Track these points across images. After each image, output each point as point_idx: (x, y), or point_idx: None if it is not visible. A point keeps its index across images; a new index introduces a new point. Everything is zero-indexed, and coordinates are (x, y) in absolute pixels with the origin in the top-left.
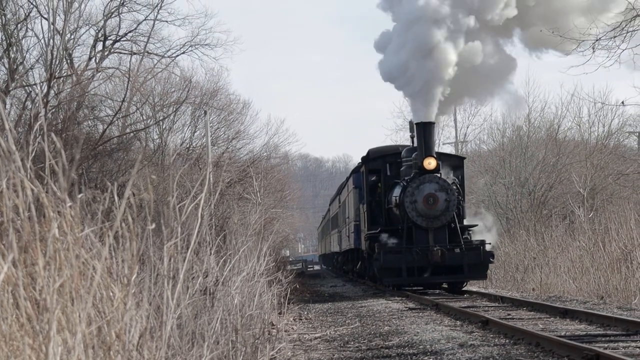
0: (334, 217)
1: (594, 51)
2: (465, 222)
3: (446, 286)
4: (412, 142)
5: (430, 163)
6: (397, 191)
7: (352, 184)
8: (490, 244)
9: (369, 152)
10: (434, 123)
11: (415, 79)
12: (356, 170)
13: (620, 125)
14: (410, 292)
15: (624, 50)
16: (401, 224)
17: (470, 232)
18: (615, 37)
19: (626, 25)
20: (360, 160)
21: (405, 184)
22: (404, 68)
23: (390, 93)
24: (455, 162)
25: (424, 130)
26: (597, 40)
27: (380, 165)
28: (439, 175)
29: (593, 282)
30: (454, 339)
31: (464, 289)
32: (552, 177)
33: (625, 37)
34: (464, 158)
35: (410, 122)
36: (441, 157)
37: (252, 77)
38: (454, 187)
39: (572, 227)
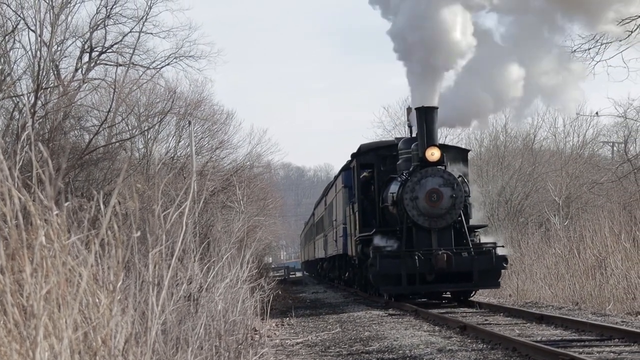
0: (319, 221)
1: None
2: (472, 223)
3: (449, 295)
4: (410, 132)
5: (433, 154)
6: (394, 187)
7: (341, 182)
8: (503, 246)
9: (360, 146)
10: (436, 108)
11: (415, 49)
12: (346, 168)
13: (594, 135)
14: (412, 304)
15: (598, 62)
16: (399, 224)
17: (477, 233)
18: (589, 49)
19: (600, 37)
20: (350, 157)
21: (404, 178)
22: (405, 33)
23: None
24: (459, 154)
25: (425, 116)
26: (572, 52)
27: (373, 160)
28: (443, 168)
29: (568, 289)
30: (433, 344)
31: (471, 298)
32: (529, 186)
33: (599, 49)
34: (469, 150)
35: (408, 109)
36: (443, 149)
37: (235, 88)
38: (461, 181)
39: (548, 235)
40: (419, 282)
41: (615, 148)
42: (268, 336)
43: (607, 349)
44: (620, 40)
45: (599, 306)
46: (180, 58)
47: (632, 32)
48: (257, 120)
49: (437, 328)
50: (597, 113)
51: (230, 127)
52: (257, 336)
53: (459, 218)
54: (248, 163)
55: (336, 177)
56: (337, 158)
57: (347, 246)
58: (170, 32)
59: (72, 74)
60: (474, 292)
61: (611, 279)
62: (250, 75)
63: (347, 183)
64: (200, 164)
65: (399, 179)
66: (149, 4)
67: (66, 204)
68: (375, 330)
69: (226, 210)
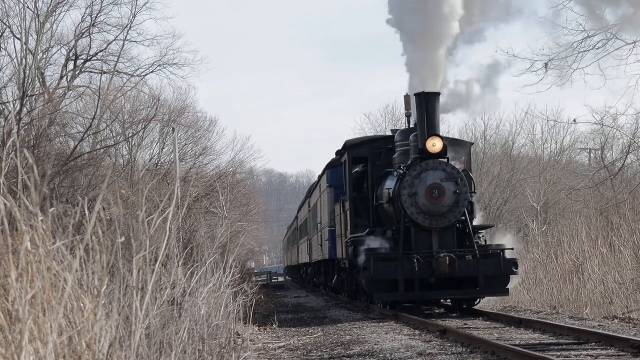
0: (302, 225)
1: (547, 71)
2: (475, 223)
3: (449, 303)
4: (408, 123)
5: (434, 145)
6: (390, 183)
7: (325, 182)
8: (512, 249)
9: (347, 142)
10: (438, 94)
11: (415, 24)
12: (332, 165)
13: (572, 142)
14: (408, 313)
15: (575, 70)
16: (396, 224)
17: (483, 235)
18: (567, 57)
19: (577, 46)
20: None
21: (401, 172)
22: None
23: (352, 111)
24: (460, 148)
25: (426, 103)
26: (550, 60)
27: (367, 153)
28: (445, 161)
29: (546, 293)
30: (413, 348)
31: (476, 307)
32: (507, 192)
33: (576, 57)
34: (472, 144)
35: (406, 97)
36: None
37: (218, 95)
38: (465, 176)
39: (526, 240)
40: (418, 288)
41: (592, 155)
42: (251, 340)
43: (585, 352)
44: (598, 49)
45: (576, 310)
46: (164, 66)
47: (608, 40)
48: (240, 127)
49: (417, 332)
50: (574, 120)
51: (214, 134)
52: (240, 340)
53: (463, 217)
54: (231, 169)
55: (320, 177)
56: (318, 164)
57: (336, 250)
58: (154, 41)
59: (57, 81)
60: (478, 300)
61: (588, 284)
62: (233, 82)
63: (333, 182)
64: (184, 171)
65: (396, 173)
66: (133, 12)
67: (51, 210)
68: (356, 335)
69: (210, 216)
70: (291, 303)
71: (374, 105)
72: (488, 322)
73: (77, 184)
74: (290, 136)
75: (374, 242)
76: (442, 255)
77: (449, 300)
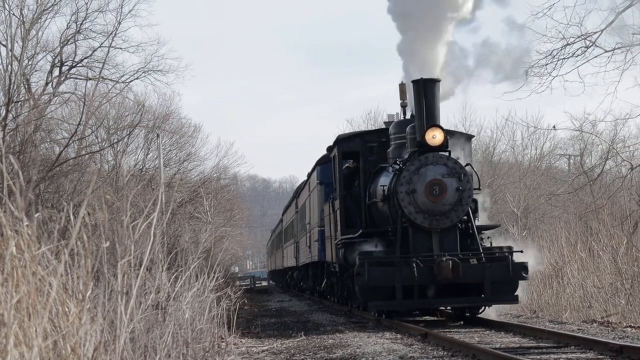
0: (288, 227)
1: (526, 78)
2: (478, 222)
3: (450, 311)
4: (404, 114)
5: (435, 136)
6: (384, 179)
7: (316, 179)
8: (521, 251)
9: (339, 136)
10: (438, 80)
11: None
12: (323, 161)
13: (551, 148)
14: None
15: (555, 77)
16: (391, 224)
17: (488, 237)
18: (546, 64)
19: (557, 53)
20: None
21: (397, 167)
22: None
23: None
24: (460, 141)
25: (425, 90)
26: (529, 67)
27: (358, 147)
28: (447, 154)
29: (526, 297)
30: (395, 352)
31: (480, 315)
32: (488, 198)
33: (556, 64)
34: (473, 137)
35: (401, 85)
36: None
37: (202, 101)
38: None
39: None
40: (418, 295)
41: (571, 161)
42: (234, 344)
43: (564, 355)
44: (577, 56)
45: (556, 314)
46: (149, 72)
47: (587, 48)
48: (224, 133)
49: (399, 336)
50: (554, 127)
51: (198, 139)
52: (223, 344)
53: (465, 216)
54: (215, 175)
55: (310, 174)
56: (302, 169)
57: (325, 252)
58: (139, 47)
59: (42, 87)
60: (483, 308)
61: (568, 288)
62: (217, 89)
63: (324, 179)
64: (168, 176)
65: (391, 168)
66: (118, 19)
67: (36, 215)
68: (338, 338)
69: (194, 221)
70: (274, 307)
71: (357, 111)
72: (469, 326)
73: (62, 190)
74: (273, 142)
75: (367, 245)
76: (444, 258)
77: (448, 308)
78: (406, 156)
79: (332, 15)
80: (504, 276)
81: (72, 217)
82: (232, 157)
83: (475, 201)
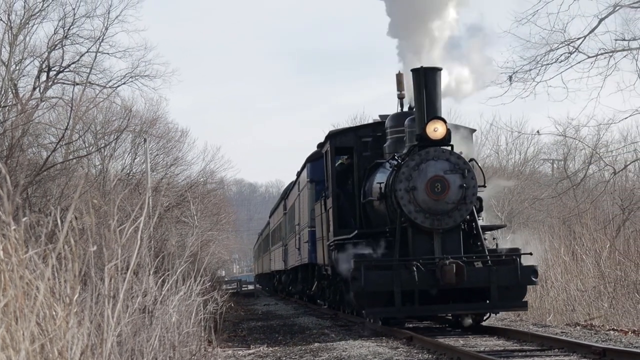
0: (276, 230)
1: (511, 83)
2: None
3: (450, 317)
4: (401, 106)
5: (436, 129)
6: (381, 176)
7: (306, 177)
8: (530, 253)
9: (331, 132)
10: (440, 69)
11: None
12: (314, 158)
13: (535, 153)
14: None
15: (538, 82)
16: (389, 224)
17: (492, 237)
18: (530, 70)
19: (541, 59)
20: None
21: (395, 163)
22: None
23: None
24: (462, 135)
25: (425, 80)
26: (514, 73)
27: (352, 142)
28: (449, 148)
29: None
30: (381, 355)
31: (484, 323)
32: None
33: (539, 70)
34: (474, 130)
35: (398, 75)
36: None
37: (190, 106)
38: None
39: None
40: (419, 301)
41: (555, 165)
42: (221, 347)
43: (548, 358)
44: (560, 62)
45: (539, 317)
46: (136, 77)
47: (571, 54)
48: (211, 138)
49: (384, 339)
50: (538, 132)
51: (185, 144)
52: (210, 347)
53: (471, 216)
54: (202, 179)
55: (299, 173)
56: (287, 174)
57: (316, 253)
58: (126, 52)
59: (30, 92)
60: (488, 315)
61: (551, 291)
62: (204, 94)
63: (315, 177)
64: (155, 180)
65: (388, 164)
66: (105, 25)
67: (24, 219)
68: (324, 341)
69: (180, 225)
70: (260, 310)
71: (342, 117)
72: (455, 329)
73: (50, 194)
74: (260, 146)
75: (362, 246)
76: (447, 261)
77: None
78: (405, 151)
79: (319, 22)
80: (512, 280)
81: (59, 221)
82: (219, 162)
83: (480, 199)
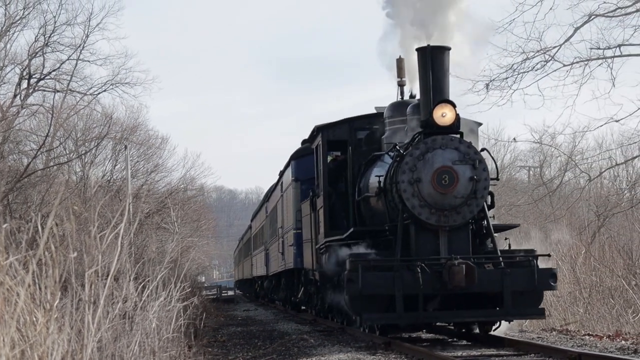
0: (257, 234)
1: (488, 91)
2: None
3: (452, 327)
4: (401, 94)
5: (445, 114)
6: (379, 170)
7: (290, 176)
8: (549, 255)
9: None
10: (448, 48)
11: None
12: (299, 155)
13: (512, 160)
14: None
15: (515, 90)
16: (388, 221)
17: (503, 237)
18: (507, 78)
19: (517, 67)
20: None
21: (397, 153)
22: None
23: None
24: (467, 128)
25: (432, 61)
26: (490, 81)
27: (346, 135)
28: (458, 136)
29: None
30: None
31: (493, 332)
32: None
33: (516, 78)
34: (481, 124)
35: (399, 60)
36: None
37: (170, 114)
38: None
39: None
40: (424, 306)
41: (531, 172)
42: (200, 353)
43: None
44: (536, 70)
45: (515, 323)
46: (117, 85)
47: (547, 62)
48: (191, 145)
49: (363, 345)
50: (514, 139)
51: (165, 151)
52: (190, 353)
53: (482, 213)
54: (182, 186)
55: (282, 172)
56: (267, 181)
57: (302, 257)
58: (106, 60)
59: (11, 99)
60: (499, 324)
61: None
62: (184, 101)
63: (301, 175)
64: (135, 187)
65: (388, 157)
66: (86, 32)
67: (4, 226)
68: (304, 347)
69: (161, 231)
70: (240, 316)
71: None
72: (431, 334)
73: (30, 200)
74: (240, 154)
75: (359, 246)
76: (456, 262)
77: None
78: (407, 141)
79: (298, 30)
80: (527, 285)
81: (40, 227)
82: (199, 169)
83: (491, 194)
